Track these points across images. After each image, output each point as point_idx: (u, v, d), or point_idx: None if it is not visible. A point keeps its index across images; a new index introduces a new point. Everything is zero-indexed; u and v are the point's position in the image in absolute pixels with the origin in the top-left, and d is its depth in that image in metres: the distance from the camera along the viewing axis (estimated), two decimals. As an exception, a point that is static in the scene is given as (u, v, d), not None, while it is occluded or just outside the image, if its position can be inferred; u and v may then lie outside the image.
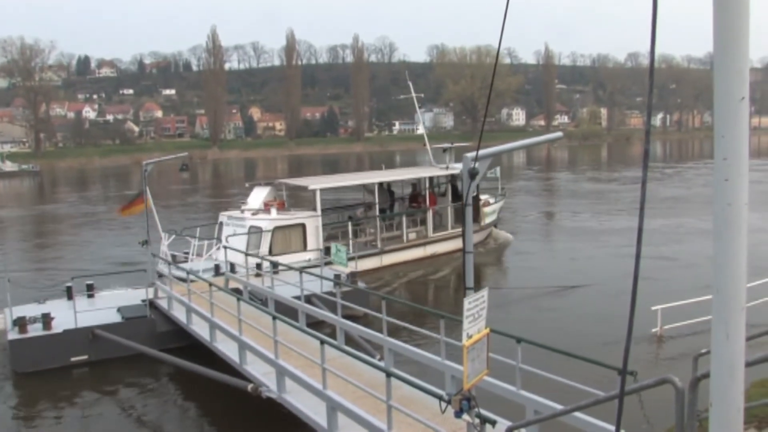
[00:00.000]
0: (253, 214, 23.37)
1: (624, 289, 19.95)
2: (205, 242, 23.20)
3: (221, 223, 23.79)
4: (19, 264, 27.73)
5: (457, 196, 27.16)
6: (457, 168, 26.91)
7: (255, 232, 22.43)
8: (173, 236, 22.47)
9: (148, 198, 19.44)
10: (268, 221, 22.64)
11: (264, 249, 21.81)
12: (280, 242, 22.48)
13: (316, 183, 24.43)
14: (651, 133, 2.99)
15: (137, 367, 14.95)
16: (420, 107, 35.60)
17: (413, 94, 32.63)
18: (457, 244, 25.53)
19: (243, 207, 24.37)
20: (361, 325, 13.61)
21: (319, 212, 23.52)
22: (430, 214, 26.48)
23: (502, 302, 19.45)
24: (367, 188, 27.47)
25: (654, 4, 2.66)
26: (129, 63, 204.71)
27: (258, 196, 24.74)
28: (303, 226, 23.08)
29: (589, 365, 8.33)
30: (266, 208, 23.50)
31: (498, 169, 31.74)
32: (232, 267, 19.83)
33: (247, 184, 27.49)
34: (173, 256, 21.66)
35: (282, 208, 24.09)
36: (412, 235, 26.06)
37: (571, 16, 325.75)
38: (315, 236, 23.11)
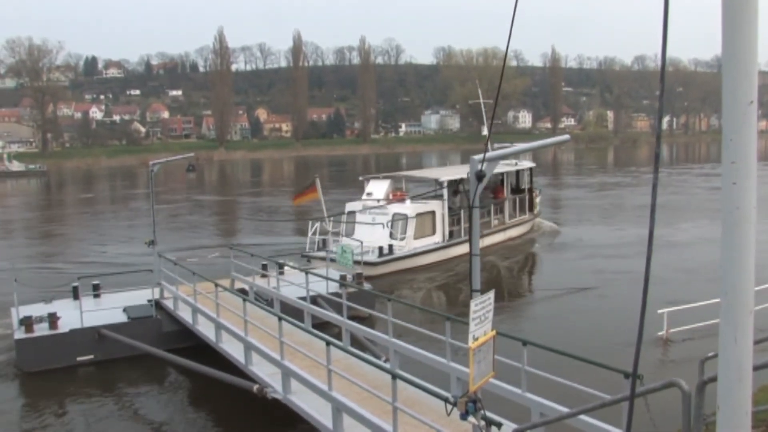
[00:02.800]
0: (388, 203, 25.67)
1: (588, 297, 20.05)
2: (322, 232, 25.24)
3: (352, 212, 26.03)
4: (25, 264, 27.81)
5: (513, 189, 31.50)
6: (523, 164, 31.86)
7: (400, 218, 24.64)
8: (318, 224, 24.45)
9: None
10: (412, 209, 24.92)
11: (410, 233, 24.30)
12: (419, 227, 24.74)
13: (444, 175, 27.23)
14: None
15: (143, 367, 14.97)
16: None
17: (481, 100, 37.20)
18: (525, 228, 31.39)
19: (368, 198, 26.64)
20: (367, 327, 13.63)
21: (446, 200, 26.10)
22: (507, 204, 29.83)
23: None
24: (437, 182, 30.34)
25: (665, 7, 2.65)
26: (136, 64, 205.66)
27: (379, 187, 27.15)
28: (433, 213, 25.63)
29: (595, 368, 8.31)
30: (396, 197, 25.92)
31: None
32: (390, 248, 23.35)
33: (360, 178, 29.99)
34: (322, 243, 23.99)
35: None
36: (495, 222, 29.41)
37: (578, 19, 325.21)
38: (441, 222, 25.75)
